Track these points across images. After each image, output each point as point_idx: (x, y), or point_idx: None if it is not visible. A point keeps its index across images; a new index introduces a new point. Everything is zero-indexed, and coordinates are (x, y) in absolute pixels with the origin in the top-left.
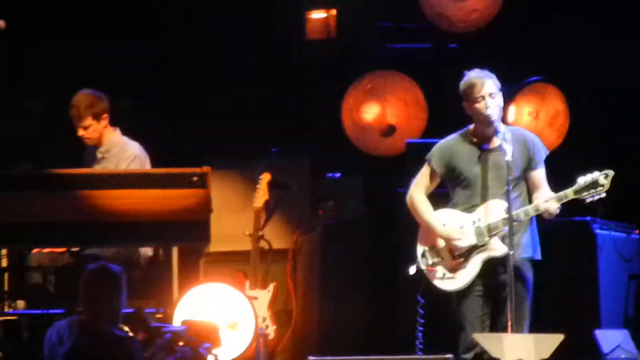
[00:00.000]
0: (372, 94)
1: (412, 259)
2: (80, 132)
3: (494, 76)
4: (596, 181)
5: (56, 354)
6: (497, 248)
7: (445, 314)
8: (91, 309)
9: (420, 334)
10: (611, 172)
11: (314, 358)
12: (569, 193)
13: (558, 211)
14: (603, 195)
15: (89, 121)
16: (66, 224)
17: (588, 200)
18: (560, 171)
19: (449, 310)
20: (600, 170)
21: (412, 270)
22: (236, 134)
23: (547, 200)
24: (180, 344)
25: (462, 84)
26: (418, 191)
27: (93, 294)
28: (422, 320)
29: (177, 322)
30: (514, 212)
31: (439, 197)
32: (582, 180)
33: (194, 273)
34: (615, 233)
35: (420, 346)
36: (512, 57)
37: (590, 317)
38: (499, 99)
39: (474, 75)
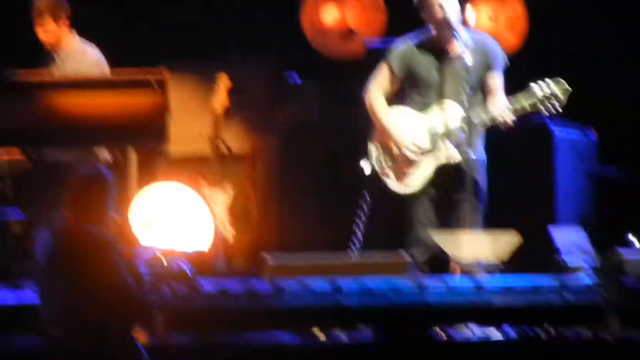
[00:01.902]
0: None
1: (366, 156)
2: (40, 34)
3: None
4: (554, 93)
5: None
6: (452, 154)
7: (392, 212)
8: (78, 212)
9: (359, 233)
10: (569, 89)
11: (265, 254)
12: (525, 106)
13: (513, 123)
14: (559, 108)
15: (48, 22)
16: (24, 126)
17: (544, 113)
18: (519, 76)
19: (398, 209)
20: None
21: (367, 169)
22: (196, 37)
23: (504, 111)
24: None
25: None
26: (376, 91)
27: (81, 195)
28: (363, 218)
29: (133, 219)
30: (472, 119)
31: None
32: (539, 92)
33: (152, 175)
34: (572, 133)
35: (357, 245)
36: None
37: (545, 215)
38: (454, 2)
39: None
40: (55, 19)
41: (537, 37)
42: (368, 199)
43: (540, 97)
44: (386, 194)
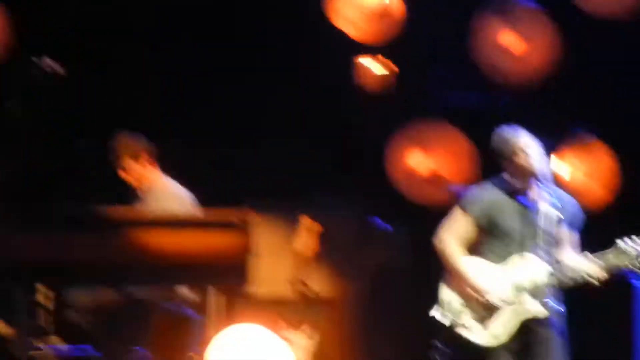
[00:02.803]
0: (418, 141)
1: (439, 304)
2: (122, 174)
3: (524, 130)
4: None
5: None
6: (534, 307)
7: None
8: (159, 351)
9: None
10: None
11: None
12: (617, 263)
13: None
14: None
15: (127, 161)
16: (107, 263)
17: (637, 271)
18: (607, 230)
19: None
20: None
21: (437, 314)
22: (281, 179)
23: (597, 269)
24: None
25: (496, 142)
26: (449, 236)
27: (165, 335)
28: None
29: None
30: (561, 276)
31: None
32: (631, 249)
33: (232, 316)
34: None
35: None
36: (564, 112)
37: None
38: (536, 151)
39: (505, 131)
40: (135, 158)
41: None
42: (441, 351)
43: (633, 255)
44: (462, 345)
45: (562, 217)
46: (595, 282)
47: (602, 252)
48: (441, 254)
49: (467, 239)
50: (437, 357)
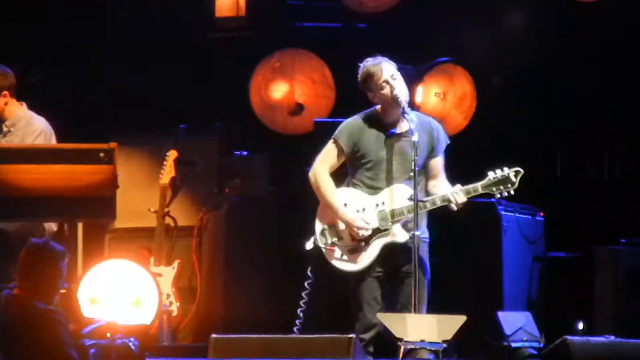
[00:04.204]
0: (280, 72)
1: (311, 234)
2: None
3: (387, 59)
4: (507, 177)
5: None
6: (399, 234)
7: (337, 292)
8: (27, 285)
9: (301, 312)
10: (521, 170)
11: (216, 336)
12: (477, 187)
13: (464, 204)
14: (512, 192)
15: None
16: None
17: (497, 195)
18: (465, 154)
19: (344, 288)
20: (506, 163)
21: (309, 245)
22: (144, 110)
23: (457, 192)
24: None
25: (361, 76)
26: (323, 169)
27: (32, 270)
28: (307, 298)
29: (81, 298)
30: (420, 201)
31: (341, 175)
32: (492, 175)
33: (99, 249)
34: (520, 215)
35: (299, 325)
36: (421, 38)
37: (493, 299)
38: (400, 80)
39: (369, 64)
40: None
41: (484, 116)
42: (313, 278)
43: (493, 181)
44: (332, 272)
45: (431, 144)
46: (454, 207)
47: (473, 183)
48: (314, 186)
49: (338, 166)
50: (306, 285)
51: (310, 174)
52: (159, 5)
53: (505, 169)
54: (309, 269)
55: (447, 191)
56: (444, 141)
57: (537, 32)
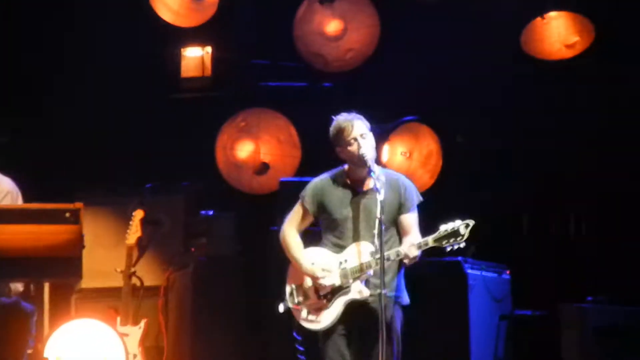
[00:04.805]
0: (246, 131)
1: (282, 296)
2: None
3: (361, 117)
4: (457, 230)
5: None
6: (360, 290)
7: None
8: None
9: None
10: (472, 222)
11: None
12: (429, 240)
13: (417, 258)
14: (462, 245)
15: None
16: None
17: (448, 248)
18: (431, 212)
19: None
20: (463, 219)
21: (281, 308)
22: (110, 170)
23: (408, 246)
24: None
25: (332, 130)
26: (290, 228)
27: (1, 329)
28: (303, 357)
29: (48, 357)
30: (377, 256)
31: (314, 235)
32: (443, 228)
33: (66, 309)
34: (486, 273)
35: None
36: (387, 97)
37: (460, 358)
38: (370, 139)
39: (342, 119)
40: None
41: (449, 175)
42: (300, 338)
43: (443, 234)
44: (307, 332)
45: (399, 201)
46: (406, 261)
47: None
48: (283, 245)
49: (305, 226)
50: (297, 345)
51: (280, 234)
52: (125, 64)
53: (457, 222)
54: (294, 331)
55: (401, 246)
56: (414, 198)
57: (503, 89)
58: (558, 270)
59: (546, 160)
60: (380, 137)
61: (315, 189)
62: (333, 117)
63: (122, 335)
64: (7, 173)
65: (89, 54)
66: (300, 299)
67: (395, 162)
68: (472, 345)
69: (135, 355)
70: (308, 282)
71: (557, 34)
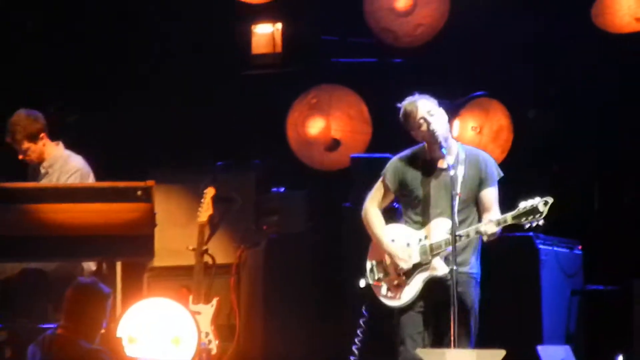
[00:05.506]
0: (316, 108)
1: (363, 272)
2: (20, 156)
3: (425, 95)
4: (535, 208)
5: None
6: (439, 267)
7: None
8: (72, 324)
9: (356, 348)
10: (550, 199)
11: None
12: (507, 218)
13: (496, 235)
14: (541, 222)
15: (25, 144)
16: (9, 238)
17: (526, 226)
18: (502, 188)
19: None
20: (541, 195)
21: (362, 283)
22: (182, 148)
23: (487, 223)
24: None
25: (401, 117)
26: (372, 205)
27: (79, 309)
28: (361, 335)
29: (120, 334)
30: (457, 233)
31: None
32: (522, 205)
33: (138, 288)
34: (558, 248)
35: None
36: (458, 72)
37: (532, 333)
38: (440, 115)
39: (406, 103)
40: (31, 139)
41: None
42: (367, 315)
43: (522, 211)
44: (382, 308)
45: (480, 177)
46: (485, 238)
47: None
48: (364, 222)
49: (386, 204)
50: (361, 321)
51: (362, 211)
52: (195, 42)
53: (536, 199)
54: (364, 307)
55: (479, 224)
56: (494, 173)
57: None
58: (630, 245)
59: (616, 131)
60: (451, 112)
61: (396, 167)
62: (399, 104)
63: (194, 314)
64: (78, 152)
65: (160, 32)
66: (381, 275)
67: (466, 137)
68: (544, 321)
69: (207, 334)
70: (388, 258)
71: (627, 7)
